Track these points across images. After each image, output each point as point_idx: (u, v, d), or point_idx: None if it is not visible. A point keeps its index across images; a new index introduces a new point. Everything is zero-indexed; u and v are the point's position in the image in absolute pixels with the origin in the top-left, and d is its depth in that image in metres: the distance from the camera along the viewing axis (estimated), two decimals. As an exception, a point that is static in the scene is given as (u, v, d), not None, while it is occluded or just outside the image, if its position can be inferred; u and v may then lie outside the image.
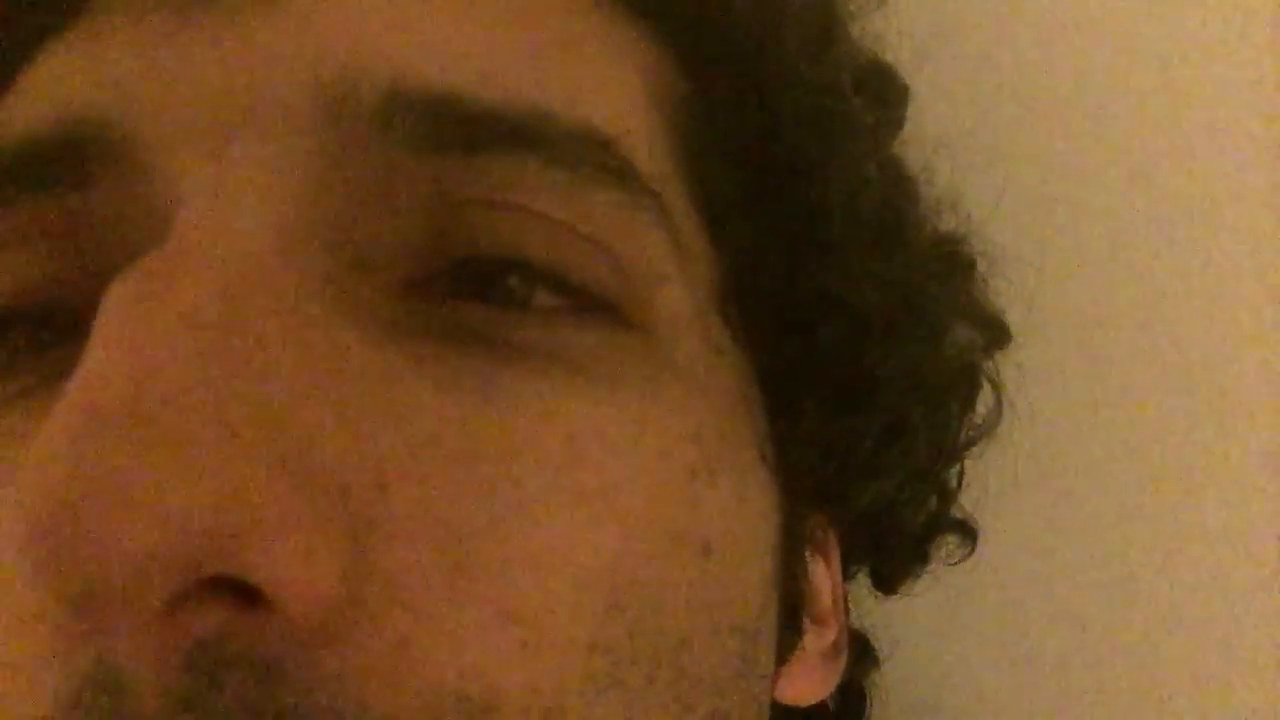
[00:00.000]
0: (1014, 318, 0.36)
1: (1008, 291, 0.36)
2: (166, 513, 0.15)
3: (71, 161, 0.22)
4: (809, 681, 0.31)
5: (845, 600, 0.35)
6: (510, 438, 0.20)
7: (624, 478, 0.21)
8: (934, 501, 0.38)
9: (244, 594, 0.17)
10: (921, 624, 0.42)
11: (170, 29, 0.22)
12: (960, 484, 0.38)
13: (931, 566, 0.39)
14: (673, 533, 0.22)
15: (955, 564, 0.39)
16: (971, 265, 0.35)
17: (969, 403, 0.36)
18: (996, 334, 0.36)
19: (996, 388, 0.37)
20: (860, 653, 0.39)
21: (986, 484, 0.39)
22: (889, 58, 0.33)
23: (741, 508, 0.25)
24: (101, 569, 0.15)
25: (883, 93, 0.32)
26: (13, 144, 0.23)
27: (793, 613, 0.29)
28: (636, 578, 0.21)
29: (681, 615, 0.21)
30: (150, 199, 0.21)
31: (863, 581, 0.39)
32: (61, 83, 0.23)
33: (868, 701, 0.40)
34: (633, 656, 0.20)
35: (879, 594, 0.39)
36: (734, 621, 0.23)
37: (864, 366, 0.30)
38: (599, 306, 0.23)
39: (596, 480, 0.21)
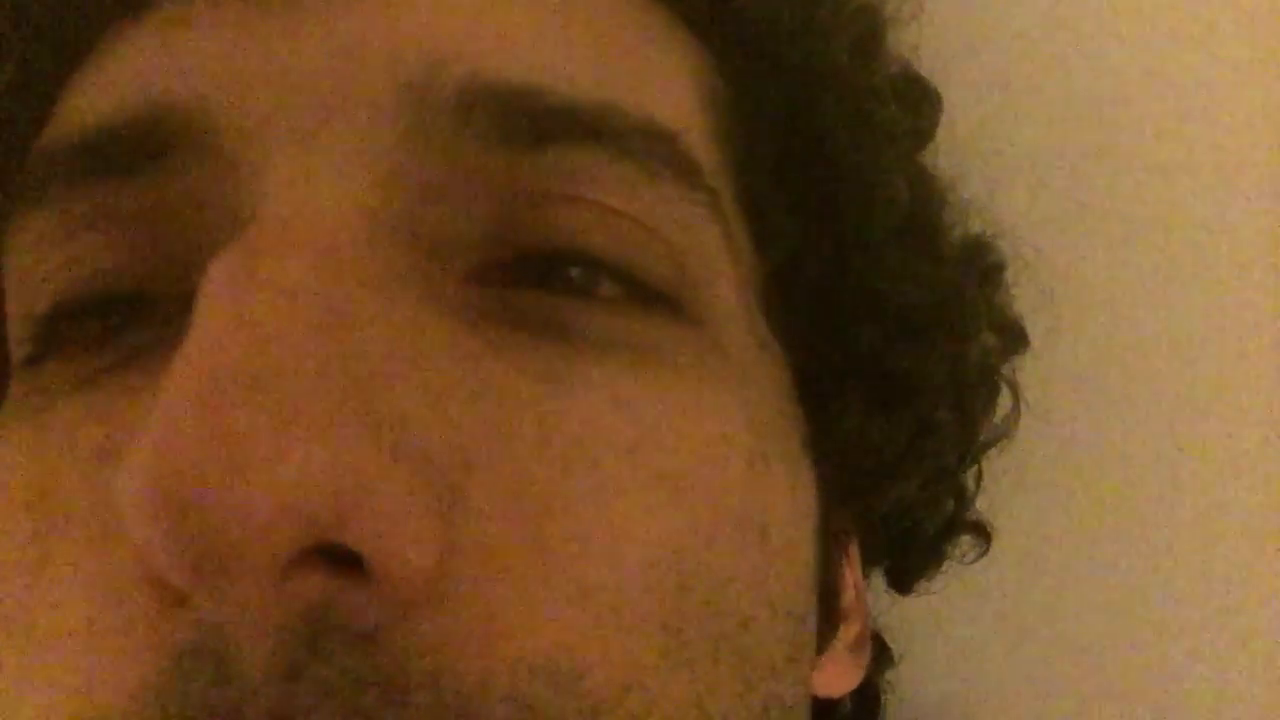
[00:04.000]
0: (1034, 321, 0.37)
1: (1028, 295, 0.37)
2: (287, 477, 0.16)
3: (154, 148, 0.22)
4: (840, 673, 0.32)
5: (865, 599, 0.36)
6: (584, 422, 0.21)
7: (690, 462, 0.22)
8: (951, 502, 0.38)
9: (345, 563, 0.17)
10: (935, 624, 0.42)
11: (250, 18, 0.23)
12: (979, 485, 0.39)
13: (946, 566, 0.40)
14: (735, 516, 0.22)
15: (970, 563, 0.40)
16: (1000, 268, 0.35)
17: (990, 404, 0.37)
18: (1016, 339, 0.37)
19: (1014, 390, 0.38)
20: (876, 652, 0.40)
21: (1001, 485, 0.40)
22: (920, 67, 0.34)
23: (792, 494, 0.25)
24: (226, 529, 0.15)
25: (917, 100, 0.33)
26: (91, 128, 0.23)
27: (829, 605, 0.30)
28: (703, 559, 0.21)
29: (744, 597, 0.22)
30: (234, 187, 0.22)
31: (877, 585, 0.40)
32: (139, 69, 0.23)
33: (883, 700, 0.40)
34: (700, 636, 0.21)
35: (894, 593, 0.40)
36: (788, 606, 0.24)
37: (901, 365, 0.30)
38: (658, 297, 0.24)
39: (665, 464, 0.21)
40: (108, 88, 0.23)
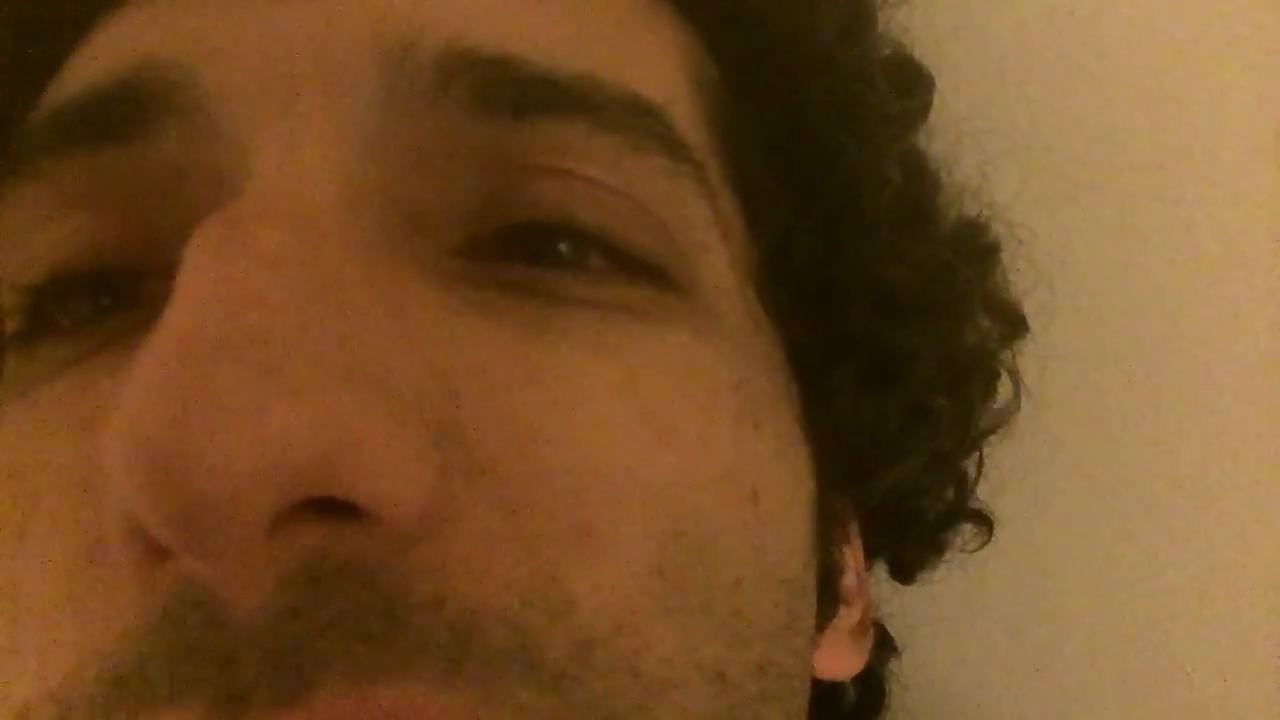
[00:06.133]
0: (1032, 306, 0.37)
1: (1026, 279, 0.37)
2: (270, 434, 0.16)
3: (135, 111, 0.22)
4: (841, 655, 0.32)
5: (867, 585, 0.36)
6: (570, 365, 0.21)
7: (679, 410, 0.22)
8: (952, 490, 0.38)
9: (341, 510, 0.17)
10: (938, 613, 0.42)
11: None
12: (979, 473, 0.38)
13: (948, 556, 0.39)
14: (725, 469, 0.22)
15: (972, 552, 0.40)
16: (995, 250, 0.35)
17: (989, 390, 0.37)
18: (1014, 324, 0.37)
19: (1014, 377, 0.38)
20: (879, 642, 0.39)
21: (1003, 473, 0.39)
22: (913, 50, 0.34)
23: (784, 464, 0.25)
24: (209, 486, 0.16)
25: (908, 83, 0.33)
26: (75, 97, 0.23)
27: (827, 583, 0.29)
28: (696, 507, 0.21)
29: (735, 556, 0.22)
30: (215, 149, 0.22)
31: (879, 575, 0.39)
32: (123, 38, 0.24)
33: (887, 689, 0.40)
34: (692, 585, 0.21)
35: (896, 584, 0.40)
36: (781, 573, 0.24)
37: (894, 344, 0.30)
38: (647, 269, 0.24)
39: (654, 406, 0.22)
40: (93, 59, 0.24)
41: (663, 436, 0.21)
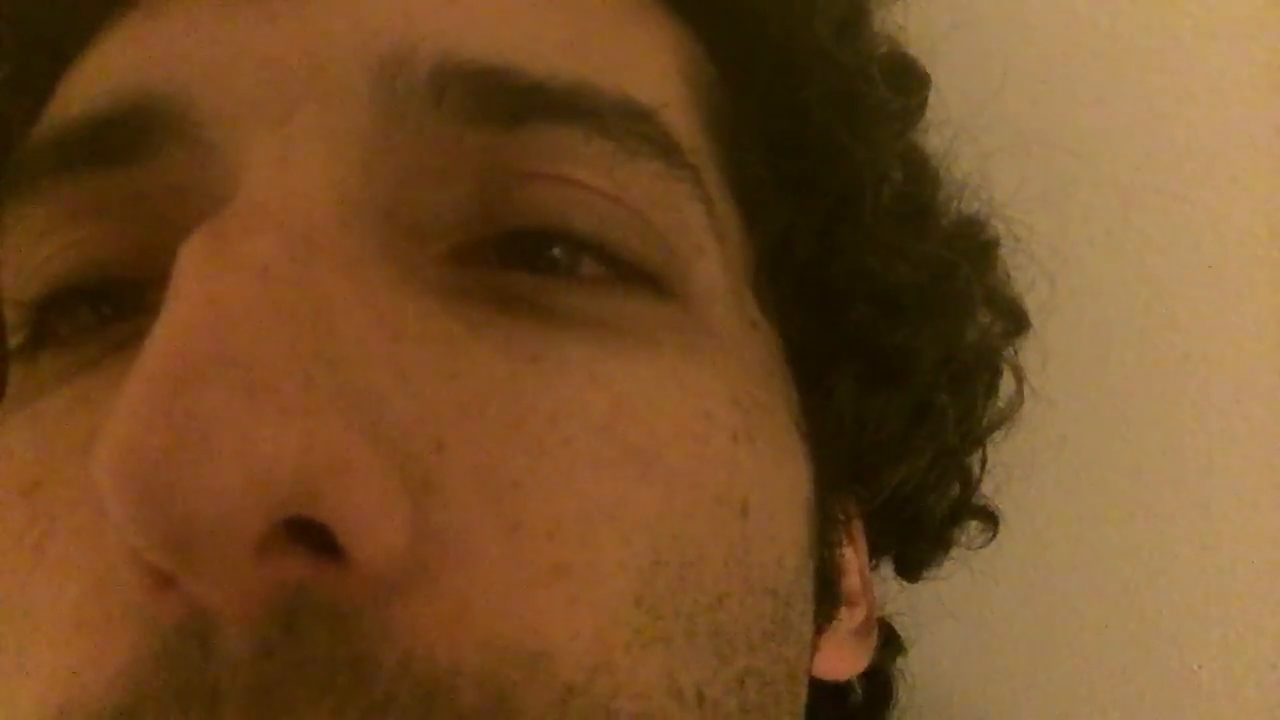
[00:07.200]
0: (1034, 303, 0.37)
1: (1027, 277, 0.37)
2: (256, 456, 0.16)
3: (135, 136, 0.22)
4: (842, 656, 0.32)
5: (871, 585, 0.36)
6: (559, 399, 0.21)
7: (668, 437, 0.22)
8: (957, 487, 0.38)
9: (321, 547, 0.18)
10: (945, 610, 0.42)
11: (227, 7, 0.23)
12: (983, 470, 0.38)
13: (954, 553, 0.39)
14: (713, 492, 0.22)
15: (977, 549, 0.40)
16: (995, 246, 0.35)
17: (993, 387, 0.37)
18: (1016, 321, 0.37)
19: (1018, 373, 0.38)
20: (886, 640, 0.39)
21: (1007, 469, 0.39)
22: (909, 47, 0.34)
23: (778, 473, 0.25)
24: (199, 509, 0.16)
25: (905, 80, 0.33)
26: (76, 120, 0.23)
27: (827, 585, 0.29)
28: (679, 534, 0.21)
29: (719, 573, 0.22)
30: (213, 170, 0.22)
31: (886, 573, 0.39)
32: (122, 61, 0.24)
33: (894, 687, 0.40)
34: (674, 611, 0.21)
35: (903, 582, 0.40)
36: (768, 583, 0.24)
37: (894, 343, 0.30)
38: (640, 276, 0.24)
39: (642, 439, 0.21)
40: (92, 81, 0.24)
41: (647, 469, 0.21)
